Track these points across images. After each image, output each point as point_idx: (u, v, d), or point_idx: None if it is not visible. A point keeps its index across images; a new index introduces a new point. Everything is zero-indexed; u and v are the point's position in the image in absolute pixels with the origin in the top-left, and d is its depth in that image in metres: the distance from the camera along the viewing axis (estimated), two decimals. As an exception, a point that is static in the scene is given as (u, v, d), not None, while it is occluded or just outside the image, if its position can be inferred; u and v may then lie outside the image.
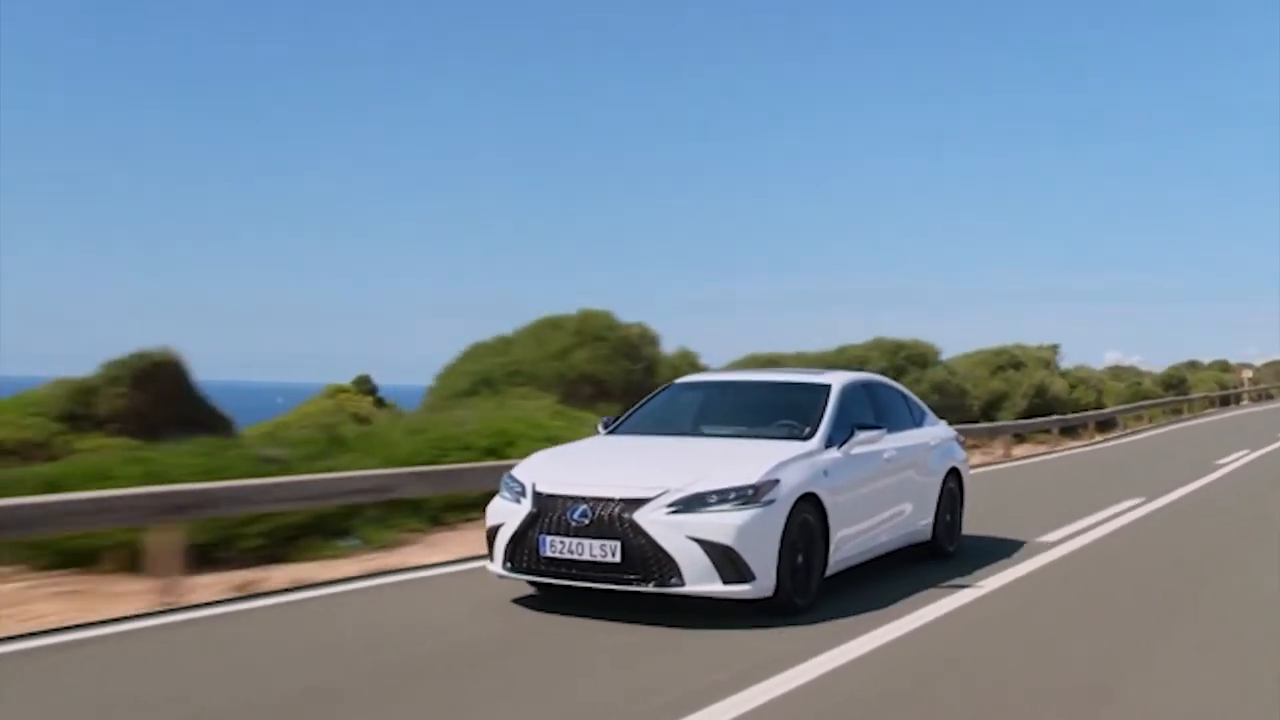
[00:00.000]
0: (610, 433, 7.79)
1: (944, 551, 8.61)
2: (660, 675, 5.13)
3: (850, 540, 7.09)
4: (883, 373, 19.40)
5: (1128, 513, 11.52)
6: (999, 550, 8.95)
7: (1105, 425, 29.07)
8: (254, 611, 6.69)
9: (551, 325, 20.21)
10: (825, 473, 6.79)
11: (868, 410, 7.80)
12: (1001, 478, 16.37)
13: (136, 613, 6.58)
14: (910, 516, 8.11)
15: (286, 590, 7.33)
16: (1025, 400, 29.10)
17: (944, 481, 8.70)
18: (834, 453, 7.02)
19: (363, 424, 20.26)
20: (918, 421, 8.74)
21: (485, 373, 19.06)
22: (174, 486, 7.50)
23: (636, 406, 8.18)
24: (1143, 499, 12.63)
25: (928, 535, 8.44)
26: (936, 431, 9.00)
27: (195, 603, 6.88)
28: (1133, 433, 29.11)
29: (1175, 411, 37.54)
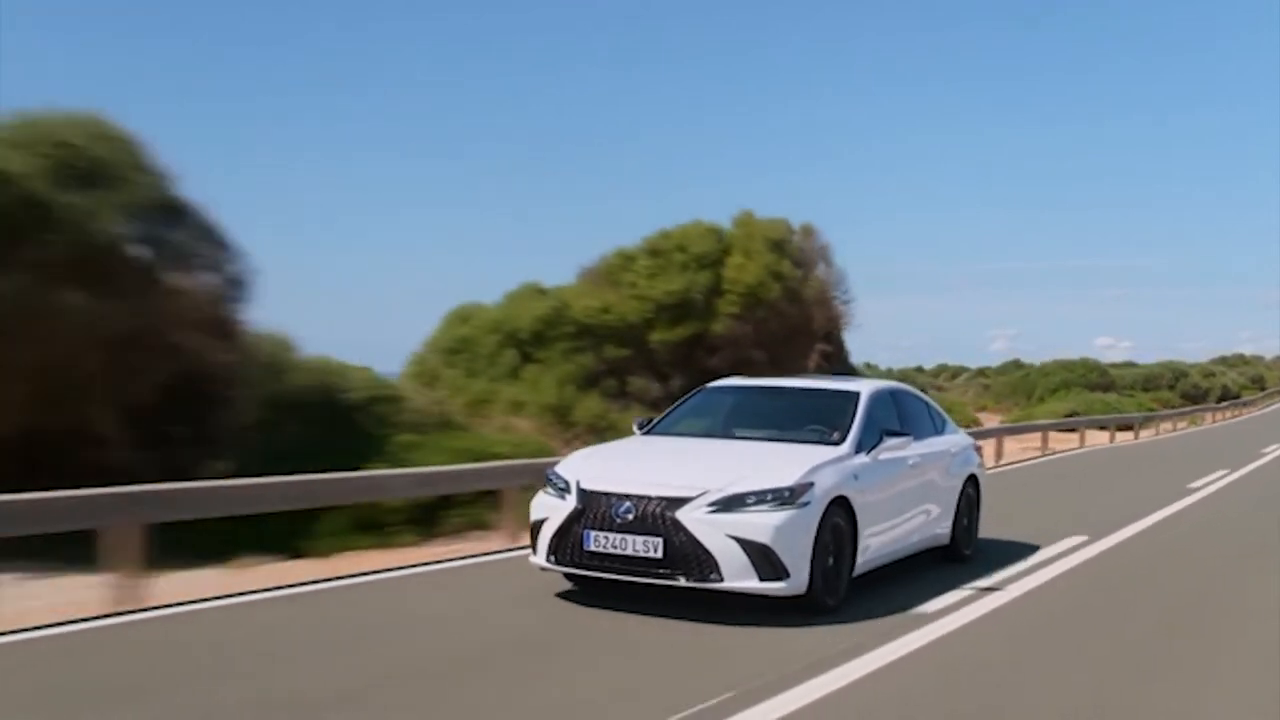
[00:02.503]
0: (646, 433, 8.07)
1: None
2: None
3: (877, 542, 7.36)
4: (1166, 382, 55.63)
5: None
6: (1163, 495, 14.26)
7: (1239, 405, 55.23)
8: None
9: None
10: (855, 476, 7.06)
11: (894, 417, 8.06)
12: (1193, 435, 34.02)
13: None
14: (931, 521, 8.38)
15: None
16: (1219, 391, 61.30)
17: (963, 487, 8.96)
18: (863, 457, 7.29)
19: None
20: (939, 429, 9.00)
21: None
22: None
23: (671, 408, 8.45)
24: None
25: (946, 539, 8.72)
26: (957, 439, 9.27)
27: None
28: (1260, 409, 55.97)
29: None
